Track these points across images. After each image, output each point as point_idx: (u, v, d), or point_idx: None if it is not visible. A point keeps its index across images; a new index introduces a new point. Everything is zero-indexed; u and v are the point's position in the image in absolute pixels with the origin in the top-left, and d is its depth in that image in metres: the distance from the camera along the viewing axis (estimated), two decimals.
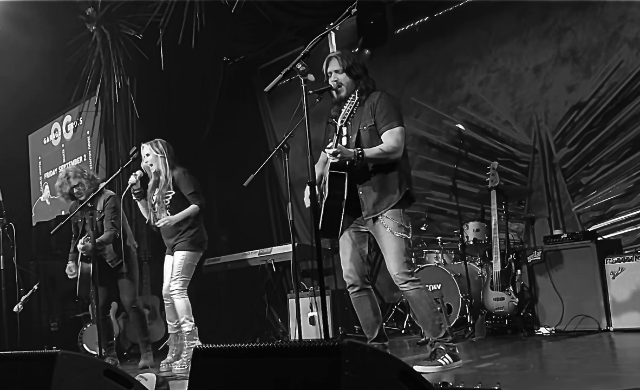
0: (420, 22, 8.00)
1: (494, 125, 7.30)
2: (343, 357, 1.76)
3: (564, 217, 6.73)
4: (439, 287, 6.06)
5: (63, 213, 9.62)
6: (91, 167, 9.29)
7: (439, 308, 4.32)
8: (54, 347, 7.50)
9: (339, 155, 3.88)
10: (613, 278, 5.09)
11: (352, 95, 4.12)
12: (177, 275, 5.51)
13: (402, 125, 4.08)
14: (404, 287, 4.10)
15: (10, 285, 6.77)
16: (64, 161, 10.23)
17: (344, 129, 4.13)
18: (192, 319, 5.56)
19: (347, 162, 3.99)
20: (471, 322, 5.82)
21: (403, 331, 6.47)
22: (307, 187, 3.92)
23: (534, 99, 7.06)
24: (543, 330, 5.32)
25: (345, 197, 4.02)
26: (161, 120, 8.70)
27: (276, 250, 7.10)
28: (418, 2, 7.76)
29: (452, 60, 7.74)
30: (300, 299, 6.33)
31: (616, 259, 5.11)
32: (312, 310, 6.25)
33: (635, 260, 5.01)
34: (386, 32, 7.68)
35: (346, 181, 4.02)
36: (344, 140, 4.11)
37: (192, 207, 5.57)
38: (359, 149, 3.96)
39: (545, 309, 5.48)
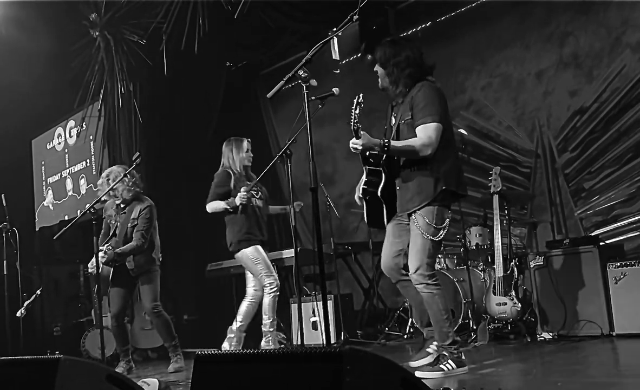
0: (423, 27, 8.01)
1: (496, 130, 7.31)
2: (345, 364, 1.76)
3: (567, 222, 6.73)
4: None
5: (66, 218, 9.66)
6: (94, 171, 9.34)
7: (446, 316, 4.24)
8: (56, 352, 7.51)
9: (360, 144, 3.91)
10: (615, 283, 5.07)
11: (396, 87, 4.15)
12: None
13: (438, 121, 3.96)
14: (418, 288, 4.09)
15: (14, 290, 6.78)
16: (67, 166, 10.26)
17: (393, 119, 4.22)
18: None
19: (377, 154, 4.04)
20: (474, 327, 5.81)
21: (405, 336, 6.47)
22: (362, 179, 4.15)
23: (536, 104, 7.06)
24: (545, 336, 5.31)
25: (380, 190, 4.07)
26: (164, 126, 8.72)
27: (278, 255, 7.09)
28: (420, 8, 7.77)
29: (454, 65, 7.75)
30: (302, 304, 6.33)
31: (619, 264, 5.10)
32: (314, 316, 6.25)
33: (638, 265, 5.00)
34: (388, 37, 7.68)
35: (383, 175, 4.08)
36: (393, 131, 4.19)
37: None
38: (385, 140, 3.98)
39: (547, 314, 5.47)
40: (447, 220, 4.10)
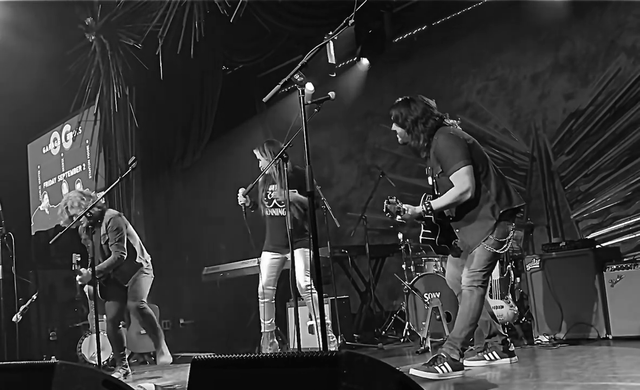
0: (419, 31, 8.02)
1: (492, 133, 7.32)
2: (341, 368, 1.76)
3: (563, 224, 6.75)
4: (437, 295, 6.06)
5: (62, 223, 9.62)
6: (90, 176, 9.32)
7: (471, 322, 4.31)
8: (53, 357, 7.49)
9: (406, 220, 4.20)
10: (612, 286, 5.08)
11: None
12: (308, 271, 5.66)
13: (464, 164, 4.10)
14: (464, 288, 4.22)
15: (9, 295, 6.75)
16: (63, 170, 10.24)
17: (426, 171, 4.44)
18: None
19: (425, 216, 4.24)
20: None
21: (402, 340, 6.46)
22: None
23: (532, 107, 7.08)
24: (542, 338, 5.30)
25: (437, 240, 4.34)
26: (160, 130, 8.72)
27: None
28: (416, 11, 7.78)
29: (450, 68, 7.76)
30: (299, 307, 6.32)
31: (615, 266, 5.10)
32: (311, 319, 6.23)
33: (634, 268, 5.01)
34: (384, 41, 7.70)
35: (438, 228, 4.32)
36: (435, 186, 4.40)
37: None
38: (427, 203, 4.16)
39: (544, 317, 5.47)
40: (511, 233, 4.22)
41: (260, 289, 5.82)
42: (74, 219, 5.73)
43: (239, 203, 5.62)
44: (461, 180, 4.09)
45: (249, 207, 5.74)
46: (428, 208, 4.16)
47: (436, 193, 4.34)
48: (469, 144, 4.23)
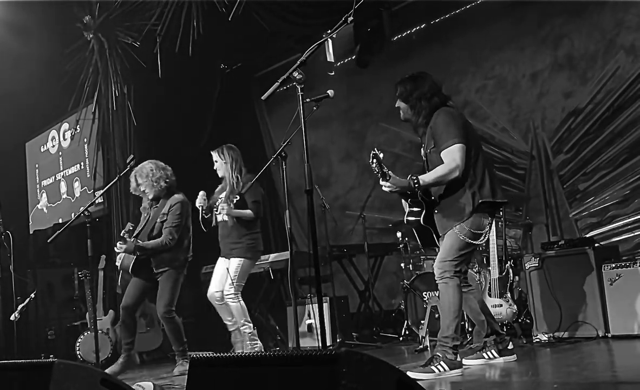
0: (417, 29, 8.02)
1: (491, 132, 7.31)
2: (340, 366, 1.76)
3: (562, 223, 6.74)
4: (436, 294, 6.05)
5: (60, 221, 9.63)
6: (88, 174, 9.31)
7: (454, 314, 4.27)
8: (51, 356, 7.47)
9: (393, 189, 4.10)
10: (610, 284, 5.07)
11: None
12: (233, 280, 5.64)
13: (459, 142, 4.07)
14: (437, 281, 4.20)
15: (8, 294, 6.76)
16: (61, 169, 10.24)
17: (422, 150, 4.42)
18: (250, 320, 5.73)
19: (411, 190, 4.17)
20: (469, 330, 5.81)
21: (401, 338, 6.46)
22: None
23: (531, 106, 7.08)
24: (541, 337, 5.29)
25: (422, 219, 4.25)
26: (159, 128, 8.70)
27: (274, 257, 7.08)
28: (415, 10, 7.77)
29: (449, 67, 7.75)
30: (298, 306, 6.31)
31: (614, 265, 5.10)
32: (309, 318, 6.24)
33: (633, 266, 5.00)
34: (383, 40, 7.69)
35: (424, 205, 4.25)
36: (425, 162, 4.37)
37: (248, 212, 5.70)
38: (414, 177, 4.08)
39: (543, 315, 5.47)
40: (487, 227, 4.21)
41: (209, 293, 5.88)
42: (140, 188, 5.71)
43: (197, 205, 5.65)
44: (451, 157, 4.06)
45: (205, 212, 5.73)
46: (415, 181, 4.08)
47: (427, 172, 4.30)
48: (468, 128, 4.23)
